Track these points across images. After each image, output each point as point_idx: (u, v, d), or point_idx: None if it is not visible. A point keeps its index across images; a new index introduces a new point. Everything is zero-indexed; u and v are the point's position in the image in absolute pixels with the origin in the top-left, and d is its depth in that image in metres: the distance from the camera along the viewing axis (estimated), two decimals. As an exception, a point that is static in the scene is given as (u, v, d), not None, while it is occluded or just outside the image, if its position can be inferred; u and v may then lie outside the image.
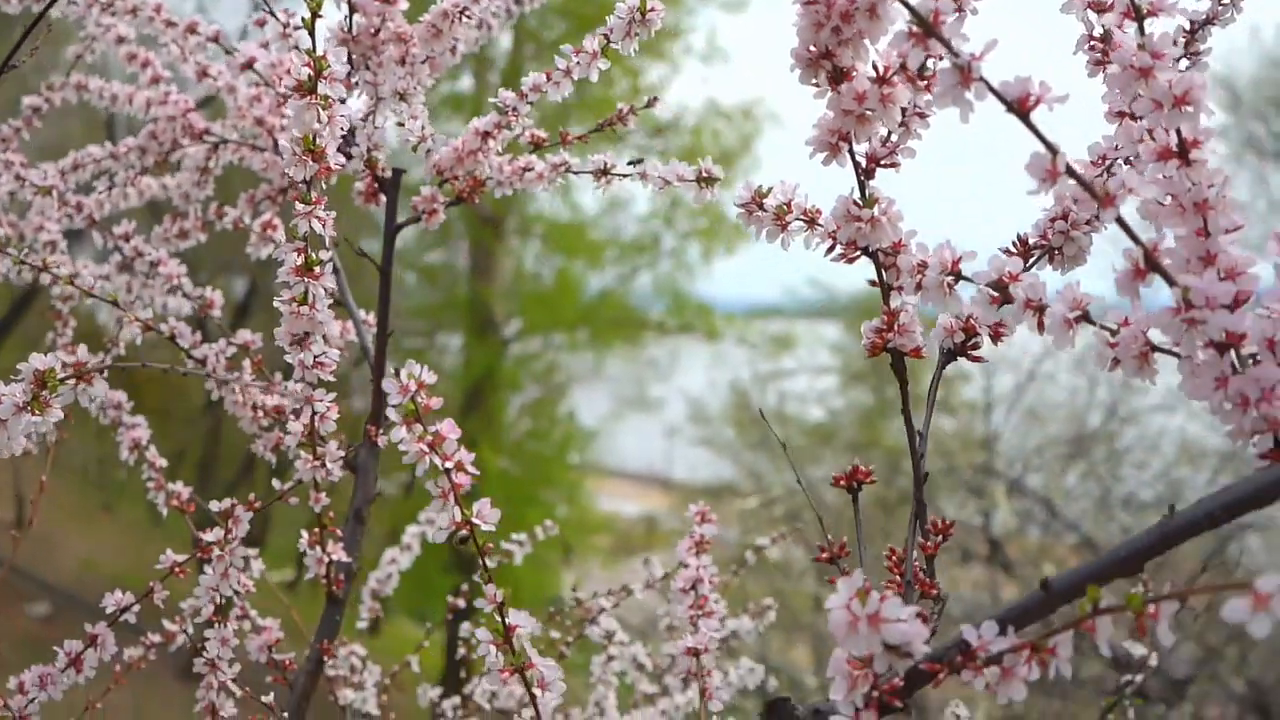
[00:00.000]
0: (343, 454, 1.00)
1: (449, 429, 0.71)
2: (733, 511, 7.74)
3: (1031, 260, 0.79)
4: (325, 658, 1.10)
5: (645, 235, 12.00)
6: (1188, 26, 0.84)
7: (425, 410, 0.71)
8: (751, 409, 9.92)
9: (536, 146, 1.10)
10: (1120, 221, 0.57)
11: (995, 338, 0.77)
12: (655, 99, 1.11)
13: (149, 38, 1.26)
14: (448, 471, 0.70)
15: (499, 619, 0.73)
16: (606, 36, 0.96)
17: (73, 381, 0.73)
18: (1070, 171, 0.57)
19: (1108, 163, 0.79)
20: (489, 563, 0.73)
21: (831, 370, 10.35)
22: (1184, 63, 0.83)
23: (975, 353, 0.77)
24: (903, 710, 0.63)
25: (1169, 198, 0.62)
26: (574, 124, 1.17)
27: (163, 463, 1.16)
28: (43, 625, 7.93)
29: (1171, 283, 0.57)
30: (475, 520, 0.71)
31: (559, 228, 11.85)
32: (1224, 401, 0.58)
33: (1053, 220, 0.78)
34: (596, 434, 12.22)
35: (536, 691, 0.73)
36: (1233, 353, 0.60)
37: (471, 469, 0.71)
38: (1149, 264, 0.58)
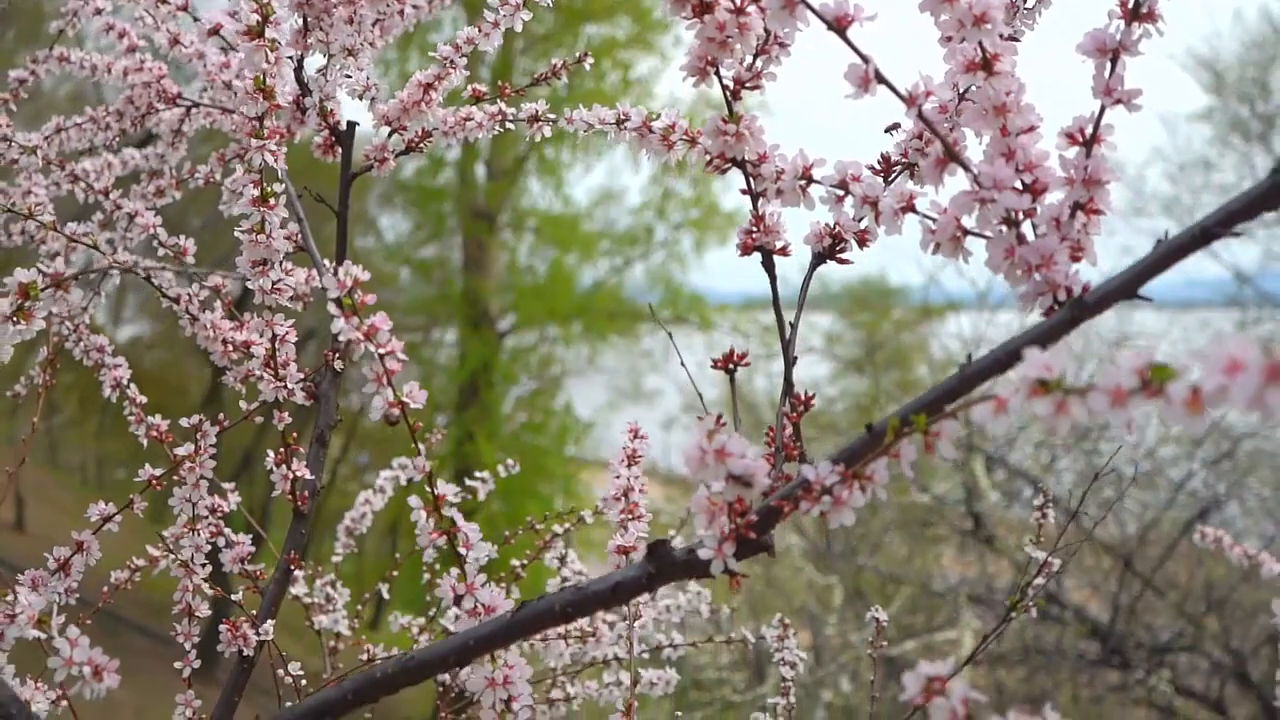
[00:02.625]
0: (302, 375, 1.11)
1: (382, 321, 0.81)
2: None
3: (894, 175, 0.89)
4: (292, 567, 1.20)
5: (638, 227, 12.11)
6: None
7: (362, 305, 0.81)
8: (744, 396, 10.03)
9: (477, 100, 1.21)
10: (922, 117, 0.68)
11: (861, 244, 0.88)
12: (585, 54, 1.22)
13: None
14: (382, 357, 0.81)
15: (429, 489, 0.84)
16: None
17: (52, 290, 0.84)
18: (879, 78, 0.68)
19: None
20: (419, 445, 0.84)
21: (820, 352, 10.44)
22: (1030, 1, 0.94)
23: (843, 256, 0.88)
24: (761, 548, 0.74)
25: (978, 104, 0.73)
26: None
27: (143, 399, 1.27)
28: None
29: (966, 169, 0.68)
30: (406, 399, 0.82)
31: (552, 221, 11.95)
32: (1013, 269, 0.69)
33: (911, 139, 0.89)
34: (592, 426, 12.31)
35: (462, 550, 0.84)
36: (1030, 230, 0.71)
37: (402, 356, 0.81)
38: (948, 154, 0.69)
